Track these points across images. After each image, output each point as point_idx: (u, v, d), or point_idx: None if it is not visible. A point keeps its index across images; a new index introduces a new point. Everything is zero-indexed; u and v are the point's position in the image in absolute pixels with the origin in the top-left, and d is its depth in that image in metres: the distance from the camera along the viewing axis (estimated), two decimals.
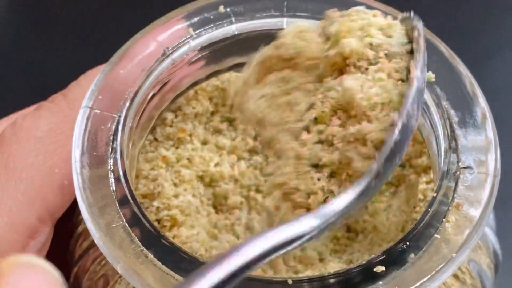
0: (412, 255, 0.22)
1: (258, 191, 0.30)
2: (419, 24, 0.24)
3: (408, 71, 0.24)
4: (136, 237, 0.23)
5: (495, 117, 0.26)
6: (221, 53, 0.29)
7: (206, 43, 0.29)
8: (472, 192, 0.24)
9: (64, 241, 0.29)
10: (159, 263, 0.23)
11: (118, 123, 0.26)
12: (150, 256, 0.23)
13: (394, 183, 0.30)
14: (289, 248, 0.21)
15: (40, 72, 0.55)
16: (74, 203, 0.28)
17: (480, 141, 0.25)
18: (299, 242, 0.21)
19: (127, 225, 0.23)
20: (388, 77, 0.24)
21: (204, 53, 0.29)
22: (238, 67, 0.31)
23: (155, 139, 0.30)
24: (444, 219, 0.23)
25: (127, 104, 0.26)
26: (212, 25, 0.28)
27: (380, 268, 0.22)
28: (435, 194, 0.24)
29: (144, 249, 0.23)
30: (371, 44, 0.24)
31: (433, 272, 0.22)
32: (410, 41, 0.25)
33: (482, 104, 0.26)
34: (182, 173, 0.29)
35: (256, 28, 0.29)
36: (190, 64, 0.29)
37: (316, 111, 0.24)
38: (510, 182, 0.35)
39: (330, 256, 0.28)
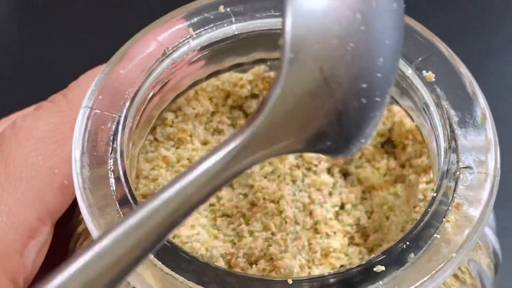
0: (412, 255, 0.22)
1: None
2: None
3: None
4: None
5: (495, 117, 0.26)
6: (221, 53, 0.29)
7: (206, 43, 0.29)
8: (472, 192, 0.24)
9: (64, 241, 0.30)
10: (159, 263, 0.23)
11: (118, 123, 0.26)
12: (150, 256, 0.23)
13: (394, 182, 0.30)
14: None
15: (40, 72, 0.55)
16: (74, 203, 0.28)
17: (480, 141, 0.25)
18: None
19: None
20: None
21: (204, 53, 0.29)
22: (238, 67, 0.31)
23: (156, 139, 0.30)
24: (444, 219, 0.23)
25: (127, 104, 0.26)
26: (212, 25, 0.28)
27: (380, 268, 0.22)
28: (435, 194, 0.24)
29: None
30: None
31: (433, 272, 0.22)
32: None
33: (482, 104, 0.26)
34: None
35: (256, 28, 0.29)
36: (190, 64, 0.29)
37: None
38: (510, 182, 0.35)
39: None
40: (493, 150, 0.25)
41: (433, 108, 0.26)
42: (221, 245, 0.27)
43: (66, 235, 0.29)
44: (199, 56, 0.29)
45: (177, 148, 0.30)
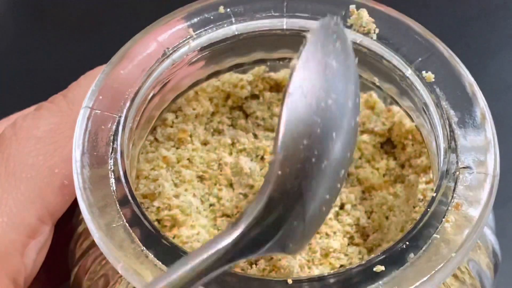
0: (411, 255, 0.23)
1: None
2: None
3: None
4: (136, 237, 0.23)
5: (495, 117, 0.26)
6: (221, 53, 0.29)
7: (206, 44, 0.29)
8: (471, 192, 0.24)
9: (64, 241, 0.30)
10: (159, 263, 0.23)
11: (118, 123, 0.26)
12: (151, 256, 0.23)
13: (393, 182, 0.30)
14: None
15: (40, 72, 0.55)
16: (74, 203, 0.28)
17: (480, 141, 0.25)
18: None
19: (127, 225, 0.23)
20: None
21: (204, 54, 0.29)
22: (238, 67, 0.31)
23: (156, 139, 0.30)
24: (443, 219, 0.23)
25: (128, 104, 0.26)
26: (212, 25, 0.29)
27: (379, 268, 0.22)
28: (434, 194, 0.24)
29: (145, 249, 0.23)
30: None
31: (433, 272, 0.22)
32: None
33: (481, 105, 0.26)
34: (183, 173, 0.29)
35: (256, 28, 0.29)
36: (190, 64, 0.29)
37: None
38: (509, 182, 0.35)
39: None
40: (493, 150, 0.25)
41: (432, 108, 0.26)
42: None
43: (66, 235, 0.29)
44: (199, 56, 0.29)
45: (177, 148, 0.30)
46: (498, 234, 0.30)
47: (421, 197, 0.28)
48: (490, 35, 0.56)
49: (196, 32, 0.28)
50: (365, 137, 0.31)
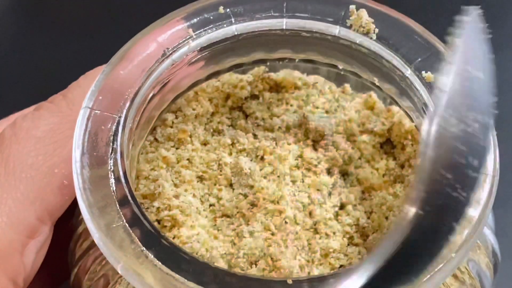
0: None
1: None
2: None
3: None
4: (136, 237, 0.23)
5: (494, 117, 0.26)
6: (221, 53, 0.29)
7: (206, 44, 0.29)
8: None
9: (64, 241, 0.30)
10: (159, 263, 0.23)
11: (118, 123, 0.26)
12: (150, 256, 0.23)
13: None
14: None
15: (40, 72, 0.55)
16: (74, 203, 0.28)
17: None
18: None
19: (127, 225, 0.23)
20: None
21: (204, 54, 0.29)
22: (237, 67, 0.31)
23: (156, 139, 0.30)
24: None
25: (127, 104, 0.26)
26: (212, 25, 0.29)
27: None
28: None
29: (144, 249, 0.23)
30: None
31: (432, 272, 0.22)
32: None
33: None
34: (183, 173, 0.29)
35: (256, 28, 0.29)
36: (190, 64, 0.29)
37: None
38: (509, 182, 0.35)
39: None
40: (492, 150, 0.25)
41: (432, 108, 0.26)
42: (221, 246, 0.27)
43: (66, 235, 0.29)
44: (199, 56, 0.29)
45: (177, 148, 0.30)
46: (498, 234, 0.30)
47: None
48: (490, 35, 0.56)
49: (196, 32, 0.28)
50: (364, 137, 0.31)
